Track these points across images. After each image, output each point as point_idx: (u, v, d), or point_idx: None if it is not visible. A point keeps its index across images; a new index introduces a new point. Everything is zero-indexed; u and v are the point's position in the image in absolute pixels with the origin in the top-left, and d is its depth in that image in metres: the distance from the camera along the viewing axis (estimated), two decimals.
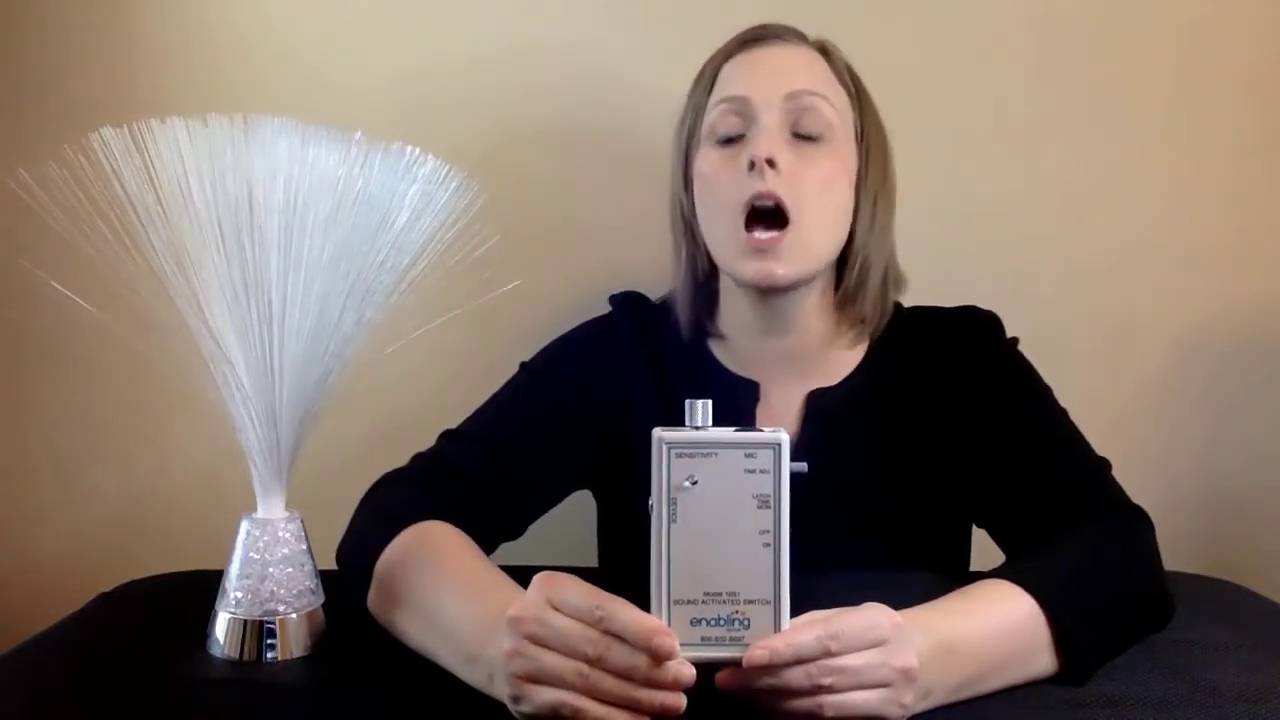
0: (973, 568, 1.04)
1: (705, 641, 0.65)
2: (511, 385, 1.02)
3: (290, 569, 0.81)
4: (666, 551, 0.64)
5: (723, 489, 0.64)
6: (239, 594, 0.80)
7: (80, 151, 0.75)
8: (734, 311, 1.00)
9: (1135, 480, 0.92)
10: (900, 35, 1.23)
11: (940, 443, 0.98)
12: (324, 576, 0.84)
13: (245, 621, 0.79)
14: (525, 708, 0.65)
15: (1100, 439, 0.95)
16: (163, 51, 1.23)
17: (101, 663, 0.79)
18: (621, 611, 0.63)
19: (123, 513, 1.27)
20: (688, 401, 0.66)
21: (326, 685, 0.76)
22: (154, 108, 0.78)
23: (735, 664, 0.64)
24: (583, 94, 1.24)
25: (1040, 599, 0.75)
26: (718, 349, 1.03)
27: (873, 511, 0.98)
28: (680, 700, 0.63)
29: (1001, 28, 1.25)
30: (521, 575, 0.70)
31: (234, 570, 0.80)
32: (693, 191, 0.99)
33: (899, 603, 0.69)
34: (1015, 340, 1.01)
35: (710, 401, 0.66)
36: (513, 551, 0.95)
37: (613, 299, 1.08)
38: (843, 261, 0.98)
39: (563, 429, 0.99)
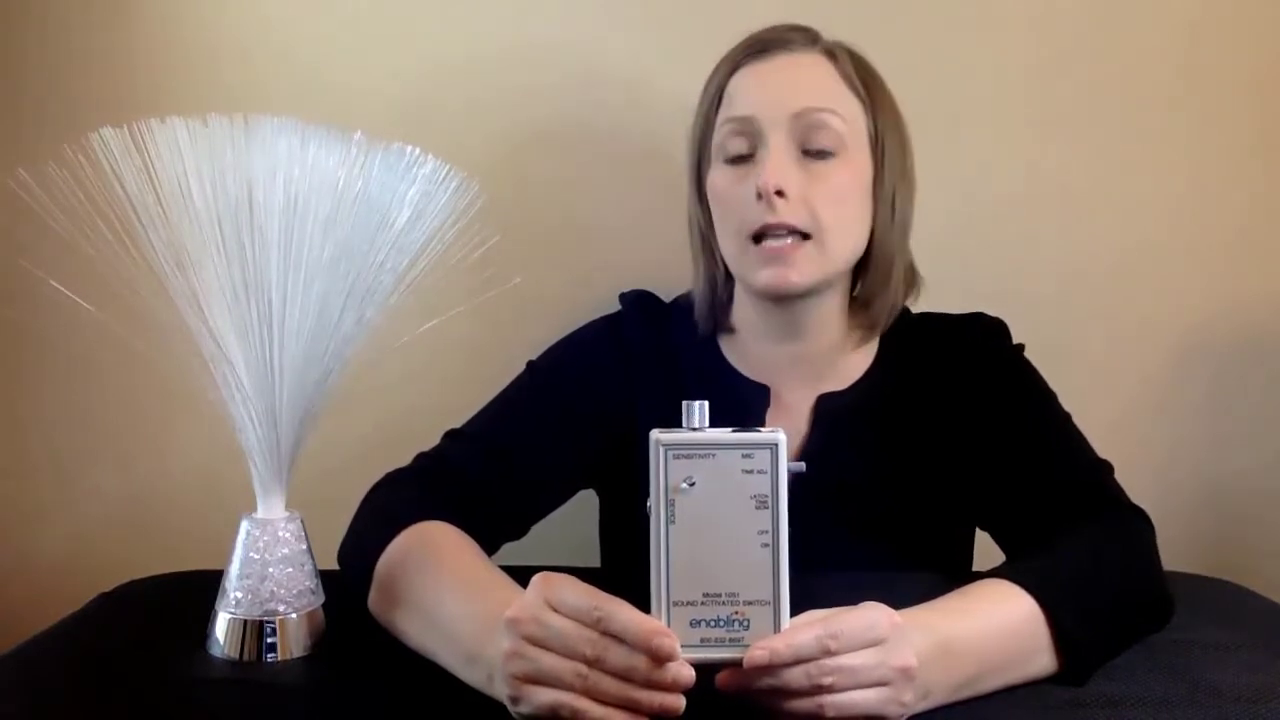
0: (973, 569, 1.04)
1: (705, 643, 0.65)
2: (516, 385, 1.02)
3: (290, 569, 0.81)
4: (665, 553, 0.64)
5: (720, 490, 0.64)
6: (239, 594, 0.80)
7: (80, 151, 0.75)
8: (748, 316, 1.00)
9: (1135, 480, 0.93)
10: (900, 35, 1.22)
11: (946, 447, 0.98)
12: (324, 576, 0.84)
13: (245, 621, 0.79)
14: (524, 708, 0.65)
15: (1100, 439, 0.95)
16: (163, 51, 1.23)
17: (101, 663, 0.79)
18: (620, 612, 0.63)
19: (123, 513, 1.27)
20: (685, 403, 0.66)
21: (326, 685, 0.76)
22: (154, 108, 0.78)
23: (735, 665, 0.64)
24: (583, 94, 1.24)
25: (1040, 599, 0.75)
26: (729, 351, 1.03)
27: (882, 515, 0.98)
28: (679, 701, 0.63)
29: (1001, 28, 1.25)
30: (522, 575, 0.70)
31: (234, 570, 0.80)
32: (707, 204, 0.99)
33: (899, 603, 0.69)
34: (1021, 346, 1.01)
35: (707, 403, 0.66)
36: (514, 551, 0.95)
37: (623, 297, 1.07)
38: (861, 263, 0.98)
39: (565, 429, 0.99)
